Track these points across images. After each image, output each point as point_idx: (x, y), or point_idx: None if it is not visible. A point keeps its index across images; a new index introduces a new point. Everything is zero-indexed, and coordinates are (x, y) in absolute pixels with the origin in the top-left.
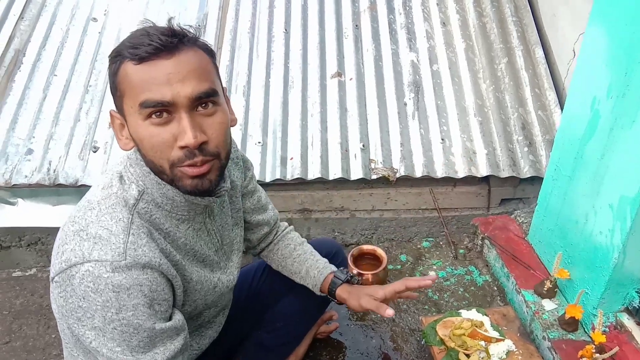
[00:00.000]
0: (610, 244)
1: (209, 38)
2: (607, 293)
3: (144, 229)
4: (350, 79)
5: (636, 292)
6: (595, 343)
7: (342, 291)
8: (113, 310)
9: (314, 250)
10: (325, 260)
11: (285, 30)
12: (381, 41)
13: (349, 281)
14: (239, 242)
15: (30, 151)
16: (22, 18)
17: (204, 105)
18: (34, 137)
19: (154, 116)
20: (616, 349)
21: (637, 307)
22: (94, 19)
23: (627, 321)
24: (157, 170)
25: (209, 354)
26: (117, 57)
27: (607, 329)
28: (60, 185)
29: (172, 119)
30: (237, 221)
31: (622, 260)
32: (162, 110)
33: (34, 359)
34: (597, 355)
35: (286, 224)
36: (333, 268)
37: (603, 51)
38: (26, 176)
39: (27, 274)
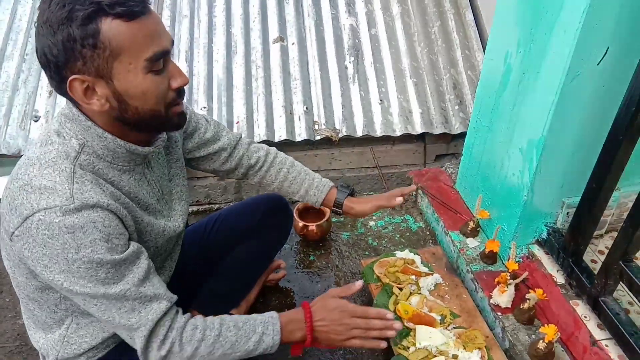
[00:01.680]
0: (521, 184)
1: None
2: (520, 228)
3: (88, 177)
4: (292, 44)
5: (545, 225)
6: (509, 271)
7: (348, 201)
8: (72, 251)
9: (304, 168)
10: (318, 176)
11: None
12: (321, 6)
13: (352, 194)
14: (180, 192)
15: None
16: None
17: None
18: None
19: (154, 68)
20: (525, 274)
21: (546, 238)
22: None
23: (538, 251)
24: (148, 117)
25: None
26: (93, 16)
27: (520, 259)
28: (2, 155)
29: (165, 68)
30: (178, 171)
31: (531, 198)
32: (161, 61)
33: None
34: (511, 280)
35: (272, 148)
36: (330, 183)
37: (514, 10)
38: None
39: None
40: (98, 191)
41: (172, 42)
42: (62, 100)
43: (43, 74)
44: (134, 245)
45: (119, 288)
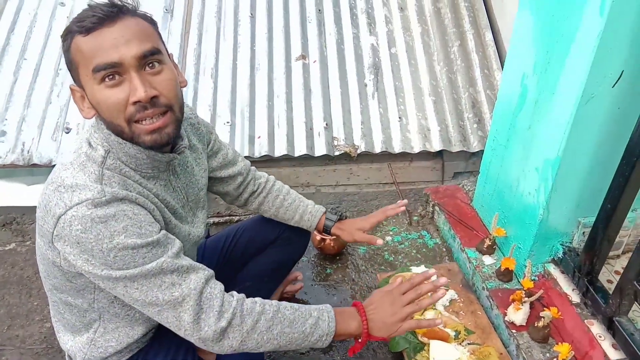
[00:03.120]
0: (536, 202)
1: (176, 22)
2: (536, 246)
3: (115, 178)
4: (314, 62)
5: (560, 244)
6: (525, 289)
7: (335, 229)
8: (106, 240)
9: (298, 195)
10: (312, 202)
11: (251, 14)
12: (343, 25)
13: (340, 219)
14: (204, 200)
15: (3, 133)
16: None
17: (150, 64)
18: (6, 120)
19: (107, 80)
20: (540, 292)
21: (561, 257)
22: (62, 3)
23: (554, 270)
24: (117, 131)
25: None
26: (68, 35)
27: (536, 278)
28: (34, 165)
29: (124, 80)
30: (206, 181)
31: (546, 217)
32: (113, 73)
33: (18, 324)
34: (526, 298)
35: (271, 176)
36: (321, 210)
37: (530, 32)
38: (0, 157)
39: (6, 248)
40: (126, 190)
41: (138, 56)
42: None
43: None
44: (163, 231)
45: (155, 263)
